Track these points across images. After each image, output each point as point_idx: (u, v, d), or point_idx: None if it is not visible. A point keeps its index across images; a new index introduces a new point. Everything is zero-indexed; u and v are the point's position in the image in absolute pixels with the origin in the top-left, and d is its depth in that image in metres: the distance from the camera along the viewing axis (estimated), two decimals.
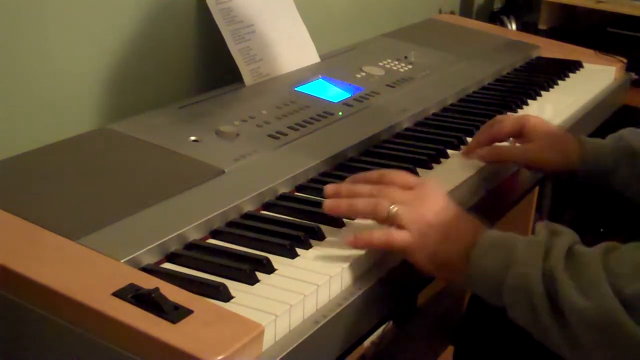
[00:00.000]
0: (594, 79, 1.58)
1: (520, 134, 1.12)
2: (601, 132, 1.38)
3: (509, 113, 1.23)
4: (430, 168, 1.07)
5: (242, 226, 0.88)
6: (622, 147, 1.09)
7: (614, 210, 1.07)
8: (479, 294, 0.84)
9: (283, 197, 0.96)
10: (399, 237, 0.83)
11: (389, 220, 0.84)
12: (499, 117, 1.16)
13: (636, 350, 0.72)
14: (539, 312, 0.77)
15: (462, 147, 1.15)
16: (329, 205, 0.86)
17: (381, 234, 0.83)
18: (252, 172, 0.98)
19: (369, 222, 0.88)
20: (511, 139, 1.14)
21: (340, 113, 1.19)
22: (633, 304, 0.72)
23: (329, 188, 0.89)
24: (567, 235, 0.81)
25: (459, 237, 0.83)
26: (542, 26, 2.24)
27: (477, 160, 1.10)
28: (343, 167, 1.06)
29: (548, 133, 1.09)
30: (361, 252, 0.84)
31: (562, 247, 0.79)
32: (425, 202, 0.85)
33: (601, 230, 0.92)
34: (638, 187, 1.08)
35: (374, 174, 0.91)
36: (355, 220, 0.90)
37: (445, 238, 0.83)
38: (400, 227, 0.84)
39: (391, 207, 0.84)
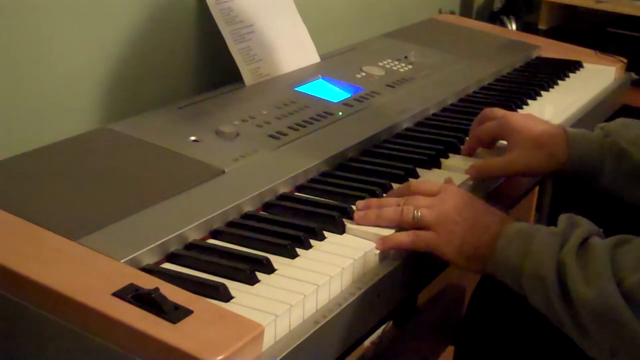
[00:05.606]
0: (594, 79, 1.58)
1: (503, 137, 1.10)
2: None
3: (495, 108, 1.15)
4: (430, 168, 1.07)
5: (242, 226, 0.88)
6: (608, 143, 1.05)
7: (614, 210, 1.06)
8: (505, 282, 0.87)
9: (283, 197, 0.96)
10: (425, 236, 0.88)
11: (415, 224, 0.88)
12: (485, 110, 1.14)
13: (635, 340, 0.74)
14: (552, 299, 0.80)
15: (462, 147, 1.15)
16: (358, 217, 0.90)
17: (407, 235, 0.87)
18: (252, 172, 0.98)
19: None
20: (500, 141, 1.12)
21: (340, 113, 1.19)
22: (632, 295, 0.75)
23: (359, 203, 0.92)
24: (585, 227, 0.83)
25: (486, 229, 0.88)
26: (542, 26, 2.24)
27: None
28: (343, 167, 1.06)
29: (532, 137, 1.06)
30: (360, 252, 0.84)
31: (578, 238, 0.81)
32: (447, 203, 0.89)
33: (601, 230, 0.92)
34: (624, 186, 1.05)
35: (402, 186, 0.96)
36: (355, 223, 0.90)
37: (471, 231, 0.87)
38: (426, 228, 0.88)
39: (415, 212, 0.88)
